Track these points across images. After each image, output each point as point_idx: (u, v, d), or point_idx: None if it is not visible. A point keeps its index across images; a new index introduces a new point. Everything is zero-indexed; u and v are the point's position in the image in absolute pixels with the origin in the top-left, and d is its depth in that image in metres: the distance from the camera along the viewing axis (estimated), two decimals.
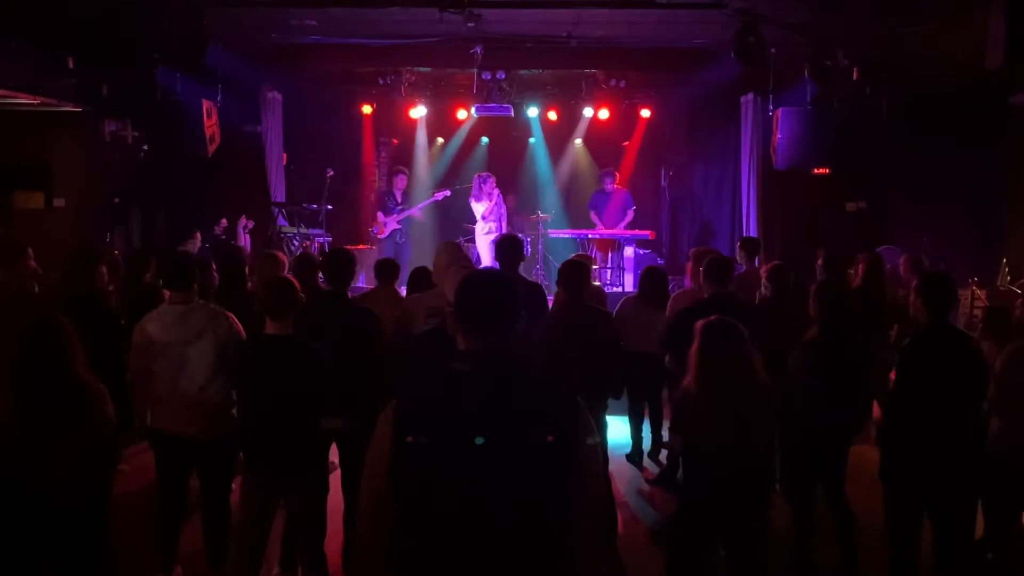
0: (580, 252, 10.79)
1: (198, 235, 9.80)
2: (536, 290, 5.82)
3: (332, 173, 11.74)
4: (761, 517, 4.13)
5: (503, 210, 11.98)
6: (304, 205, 11.76)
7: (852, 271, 7.58)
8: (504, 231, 11.66)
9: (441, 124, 14.12)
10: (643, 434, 6.85)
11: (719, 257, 6.03)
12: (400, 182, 12.23)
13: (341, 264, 4.93)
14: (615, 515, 5.34)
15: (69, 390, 3.24)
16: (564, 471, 2.21)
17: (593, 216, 12.35)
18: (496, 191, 11.87)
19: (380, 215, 12.08)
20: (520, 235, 7.29)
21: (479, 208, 11.87)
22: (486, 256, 11.62)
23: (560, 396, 2.29)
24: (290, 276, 4.61)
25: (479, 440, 2.17)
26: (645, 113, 13.70)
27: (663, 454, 6.78)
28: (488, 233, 11.79)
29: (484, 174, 12.07)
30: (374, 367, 4.62)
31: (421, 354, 4.32)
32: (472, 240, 12.23)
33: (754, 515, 4.06)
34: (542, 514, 2.20)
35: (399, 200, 12.07)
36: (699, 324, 4.07)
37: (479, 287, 2.39)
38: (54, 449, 3.17)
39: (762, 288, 6.31)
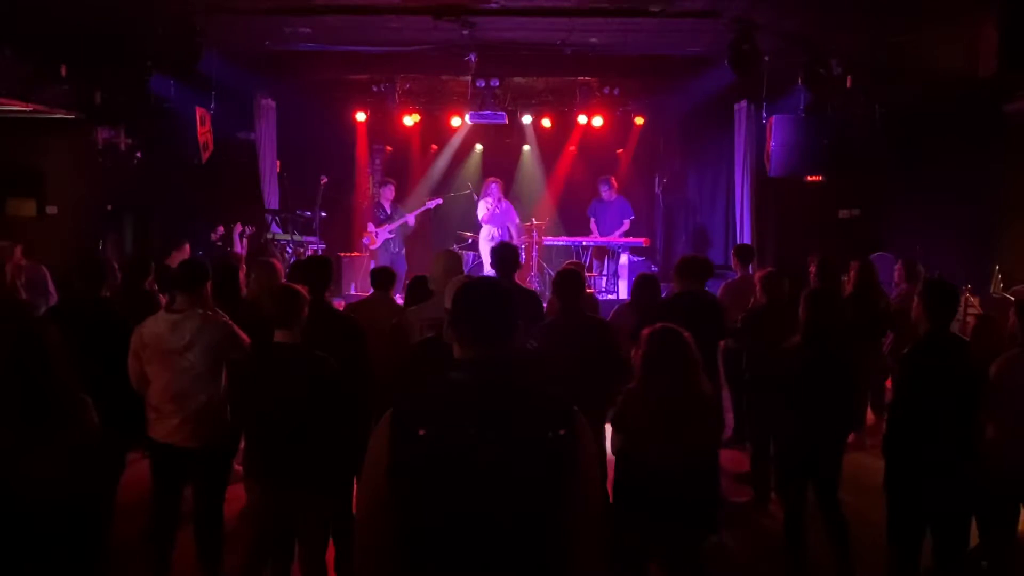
0: (573, 260, 10.82)
1: (187, 247, 9.75)
2: (532, 298, 5.82)
3: (326, 180, 11.74)
4: (700, 526, 4.13)
5: (507, 217, 12.01)
6: (298, 212, 11.77)
7: (846, 278, 7.60)
8: (504, 237, 11.75)
9: (435, 131, 14.13)
10: None
11: (686, 256, 6.34)
12: (388, 193, 12.26)
13: (317, 270, 4.96)
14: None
15: (49, 401, 3.21)
16: (562, 477, 2.22)
17: (592, 224, 12.38)
18: (495, 195, 11.92)
19: (371, 226, 12.10)
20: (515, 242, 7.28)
21: (480, 209, 11.93)
22: (484, 262, 11.67)
23: (557, 404, 2.30)
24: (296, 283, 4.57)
25: (477, 441, 2.18)
26: (639, 121, 13.73)
27: None
28: (489, 239, 11.85)
29: (491, 178, 12.18)
30: (356, 373, 4.56)
31: (416, 364, 4.30)
32: (470, 246, 12.26)
33: (692, 524, 4.07)
34: (541, 518, 2.21)
35: (388, 211, 12.09)
36: (645, 330, 4.09)
37: (475, 296, 2.39)
38: (34, 461, 3.14)
39: (757, 295, 6.33)
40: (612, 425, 4.21)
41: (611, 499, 4.18)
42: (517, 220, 12.12)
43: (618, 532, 4.17)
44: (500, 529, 2.19)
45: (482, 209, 12.03)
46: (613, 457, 4.25)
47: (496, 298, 2.37)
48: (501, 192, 12.01)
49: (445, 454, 2.19)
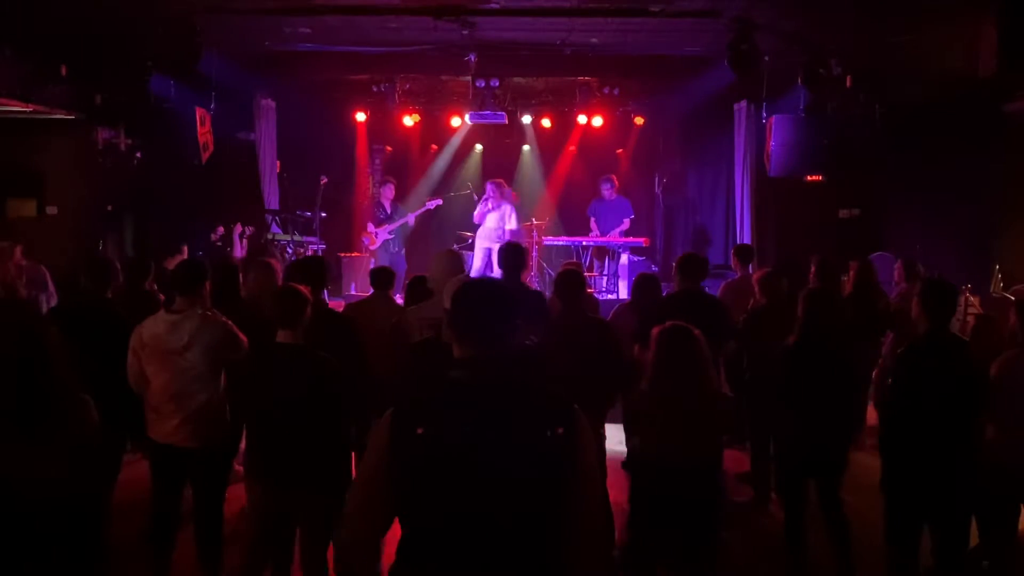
0: (571, 260, 10.82)
1: (186, 250, 9.76)
2: (539, 298, 5.81)
3: (326, 180, 11.74)
4: (711, 522, 4.15)
5: (500, 219, 11.98)
6: (298, 212, 11.77)
7: (845, 278, 7.60)
8: (502, 238, 11.77)
9: (435, 131, 14.14)
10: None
11: (689, 254, 6.24)
12: (388, 192, 12.26)
13: (313, 270, 4.98)
14: (612, 523, 5.33)
15: (50, 401, 3.21)
16: (562, 474, 2.22)
17: (592, 223, 12.38)
18: (492, 197, 11.90)
19: (370, 226, 12.11)
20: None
21: (477, 210, 12.02)
22: (476, 260, 11.65)
23: (556, 403, 2.31)
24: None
25: (476, 440, 2.19)
26: (639, 121, 13.73)
27: None
28: (482, 239, 11.89)
29: (490, 180, 12.15)
30: (352, 373, 4.56)
31: (416, 364, 4.30)
32: (469, 246, 12.27)
33: (704, 520, 4.08)
34: (541, 517, 2.21)
35: (388, 210, 12.09)
36: (655, 330, 4.10)
37: (474, 296, 2.40)
38: (34, 460, 3.14)
39: (756, 296, 6.33)
40: (625, 427, 4.22)
41: (613, 499, 4.19)
42: (513, 223, 11.99)
43: (631, 532, 4.17)
44: (500, 529, 2.19)
45: (478, 209, 12.06)
46: (610, 456, 4.26)
47: (495, 298, 2.38)
48: (496, 193, 11.97)
49: (444, 454, 2.20)
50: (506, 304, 2.37)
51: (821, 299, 4.81)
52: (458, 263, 5.15)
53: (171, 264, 8.85)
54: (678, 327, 4.04)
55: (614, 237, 12.07)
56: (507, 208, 11.86)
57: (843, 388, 4.66)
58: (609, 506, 4.25)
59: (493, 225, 11.74)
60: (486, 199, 11.87)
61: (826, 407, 4.58)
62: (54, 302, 7.38)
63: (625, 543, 4.39)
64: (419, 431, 2.21)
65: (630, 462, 4.19)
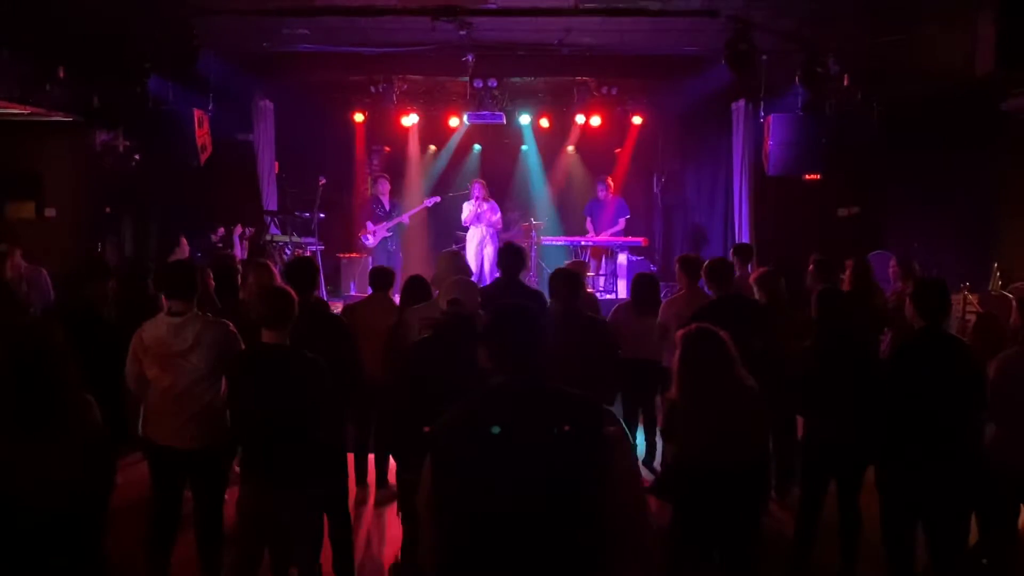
0: (574, 259, 10.85)
1: (184, 241, 9.77)
2: (538, 298, 5.82)
3: (324, 181, 11.74)
4: (756, 523, 4.14)
5: (489, 217, 12.06)
6: (296, 213, 11.77)
7: (843, 276, 7.59)
8: (494, 237, 11.87)
9: (433, 132, 14.12)
10: (637, 441, 6.85)
11: (719, 259, 6.22)
12: (383, 187, 12.30)
13: (302, 271, 4.98)
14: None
15: (54, 402, 3.21)
16: (598, 469, 2.27)
17: (588, 223, 12.40)
18: (476, 196, 11.97)
19: (369, 224, 12.11)
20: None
21: (464, 212, 12.18)
22: (472, 262, 11.67)
23: (585, 402, 2.37)
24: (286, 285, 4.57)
25: (512, 437, 2.24)
26: (637, 120, 13.70)
27: (658, 460, 6.77)
28: (477, 241, 12.04)
29: (476, 180, 12.30)
30: (344, 374, 4.56)
31: (414, 364, 4.30)
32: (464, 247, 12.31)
33: (748, 521, 4.08)
34: (580, 511, 2.24)
35: (387, 207, 12.12)
36: (679, 333, 4.09)
37: (509, 324, 2.49)
38: (39, 462, 3.15)
39: (755, 294, 6.33)
40: (663, 436, 4.21)
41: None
42: (497, 220, 12.16)
43: (683, 531, 4.16)
44: (536, 530, 2.22)
45: (465, 211, 12.12)
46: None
47: (528, 325, 2.48)
48: (484, 192, 12.06)
49: (480, 457, 2.25)
50: (538, 330, 2.47)
51: (835, 298, 4.81)
52: (459, 264, 5.17)
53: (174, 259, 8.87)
54: (702, 329, 4.02)
55: (607, 236, 12.11)
56: (492, 205, 12.02)
57: (868, 386, 4.55)
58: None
59: (484, 223, 11.85)
60: (479, 199, 11.95)
61: (850, 405, 4.54)
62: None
63: (669, 548, 4.39)
64: (455, 436, 2.28)
65: (672, 468, 4.16)
